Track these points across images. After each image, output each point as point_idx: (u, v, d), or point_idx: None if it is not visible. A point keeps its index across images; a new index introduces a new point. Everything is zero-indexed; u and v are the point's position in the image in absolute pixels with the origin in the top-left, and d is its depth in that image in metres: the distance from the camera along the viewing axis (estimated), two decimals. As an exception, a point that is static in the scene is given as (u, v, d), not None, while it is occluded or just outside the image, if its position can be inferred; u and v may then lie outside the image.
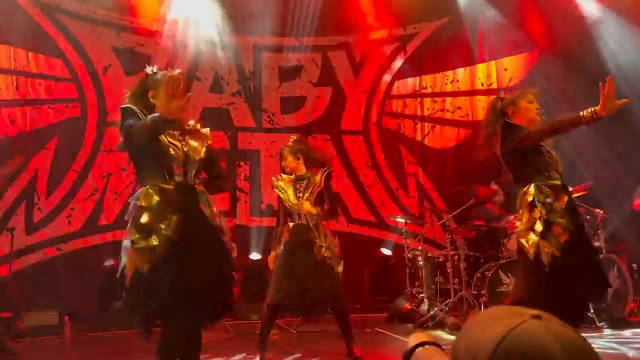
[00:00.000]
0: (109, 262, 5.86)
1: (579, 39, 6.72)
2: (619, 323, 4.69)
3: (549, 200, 2.58)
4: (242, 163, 6.98)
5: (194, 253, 2.32)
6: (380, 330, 5.17)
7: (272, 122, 7.23)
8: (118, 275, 2.37)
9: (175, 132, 2.45)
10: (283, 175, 3.90)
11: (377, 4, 7.24)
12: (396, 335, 4.78)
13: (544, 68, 7.02)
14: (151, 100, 2.43)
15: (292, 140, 3.90)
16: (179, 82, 2.34)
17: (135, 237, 2.29)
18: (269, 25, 6.90)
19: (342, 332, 3.65)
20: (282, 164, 3.87)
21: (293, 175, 3.81)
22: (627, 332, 4.38)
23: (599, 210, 5.30)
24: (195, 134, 2.54)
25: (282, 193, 3.78)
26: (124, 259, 2.35)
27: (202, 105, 6.84)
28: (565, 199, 2.61)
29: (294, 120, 7.30)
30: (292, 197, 3.70)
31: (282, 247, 3.78)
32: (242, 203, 6.94)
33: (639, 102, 6.10)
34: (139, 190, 2.39)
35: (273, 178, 3.96)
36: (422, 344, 0.99)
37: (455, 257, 5.46)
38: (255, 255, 6.59)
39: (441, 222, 5.81)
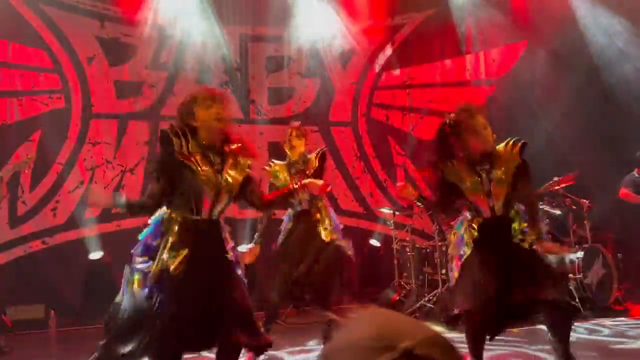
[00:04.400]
0: (94, 256, 5.81)
1: (566, 30, 6.74)
2: (603, 312, 4.74)
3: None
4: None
5: (196, 289, 2.25)
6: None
7: (259, 113, 7.18)
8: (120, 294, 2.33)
9: (215, 159, 2.38)
10: (275, 161, 3.86)
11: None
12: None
13: (531, 59, 7.05)
14: (192, 123, 2.36)
15: (297, 125, 3.98)
16: (215, 100, 2.35)
17: (142, 257, 2.29)
18: (257, 15, 6.83)
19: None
20: (290, 149, 3.84)
21: (287, 160, 3.79)
22: (611, 321, 4.43)
23: (584, 200, 5.35)
24: (236, 159, 2.46)
25: (278, 179, 3.72)
26: (127, 274, 2.31)
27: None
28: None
29: (282, 111, 7.25)
30: (289, 181, 3.58)
31: (283, 237, 3.71)
32: (230, 195, 6.91)
33: (626, 95, 6.17)
34: (162, 213, 2.36)
35: (266, 167, 3.91)
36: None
37: (443, 248, 5.48)
38: (243, 248, 6.55)
39: (429, 213, 5.82)
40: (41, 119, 6.17)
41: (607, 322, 4.38)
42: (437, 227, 5.56)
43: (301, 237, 3.59)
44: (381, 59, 7.55)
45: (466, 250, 2.71)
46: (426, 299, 5.28)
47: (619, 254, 5.65)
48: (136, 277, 2.25)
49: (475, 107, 2.90)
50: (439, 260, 5.37)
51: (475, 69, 7.65)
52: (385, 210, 6.27)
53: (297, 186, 2.62)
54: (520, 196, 2.75)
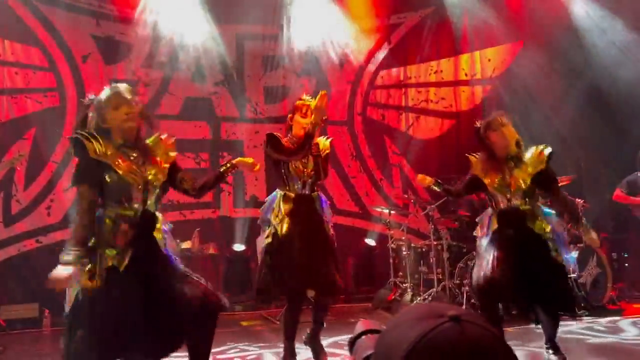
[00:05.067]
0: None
1: (562, 30, 6.76)
2: (598, 311, 4.76)
3: None
4: (225, 154, 6.91)
5: (139, 283, 2.25)
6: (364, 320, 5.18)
7: (255, 112, 7.16)
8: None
9: (134, 155, 2.39)
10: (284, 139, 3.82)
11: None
12: (380, 326, 4.79)
13: (527, 59, 7.06)
14: (104, 126, 2.37)
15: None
16: (121, 94, 2.37)
17: (81, 259, 2.22)
18: (253, 14, 6.82)
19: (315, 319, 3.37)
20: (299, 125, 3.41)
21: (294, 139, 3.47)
22: (606, 320, 4.45)
23: (579, 200, 5.36)
24: (157, 150, 2.48)
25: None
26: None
27: (184, 95, 6.75)
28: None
29: (277, 110, 7.23)
30: (300, 165, 3.33)
31: (283, 220, 3.28)
32: (226, 194, 6.89)
33: (621, 95, 6.18)
34: (97, 214, 2.33)
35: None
36: (367, 332, 1.03)
37: (439, 247, 5.49)
38: (238, 247, 6.56)
39: (425, 212, 5.83)
40: (35, 117, 6.14)
41: (602, 321, 4.40)
42: (433, 226, 5.57)
43: (307, 225, 3.23)
44: (377, 58, 7.55)
45: (486, 239, 3.14)
46: (422, 298, 5.29)
47: (613, 254, 5.68)
48: (81, 280, 2.22)
49: (502, 112, 3.32)
50: (434, 259, 5.38)
51: (471, 69, 7.66)
52: (381, 210, 6.27)
53: (228, 166, 2.67)
54: (553, 200, 3.25)
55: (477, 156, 3.24)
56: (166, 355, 2.36)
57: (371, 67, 7.55)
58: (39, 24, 6.25)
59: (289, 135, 3.48)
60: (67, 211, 6.13)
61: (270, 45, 7.15)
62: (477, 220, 3.39)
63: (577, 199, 5.37)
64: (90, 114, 2.42)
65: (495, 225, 3.10)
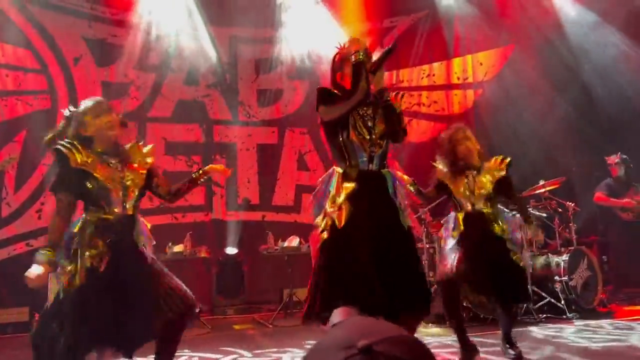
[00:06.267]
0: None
1: (553, 35, 6.82)
2: (588, 313, 4.79)
3: None
4: (217, 156, 6.90)
5: (118, 284, 2.35)
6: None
7: (248, 115, 7.16)
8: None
9: (113, 162, 2.51)
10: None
11: (354, -3, 7.22)
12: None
13: (518, 63, 7.12)
14: (85, 134, 2.48)
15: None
16: (102, 104, 2.51)
17: (62, 262, 2.36)
18: (246, 17, 6.82)
19: None
20: None
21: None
22: (596, 323, 4.48)
23: (570, 203, 5.41)
24: (135, 156, 2.60)
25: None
26: (54, 281, 2.44)
27: (176, 98, 6.73)
28: None
29: (270, 113, 7.24)
30: (364, 130, 2.51)
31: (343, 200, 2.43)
32: (218, 197, 6.88)
33: (611, 99, 6.25)
34: (78, 218, 2.45)
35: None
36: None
37: (431, 250, 5.51)
38: (231, 250, 6.54)
39: (417, 215, 5.85)
40: (26, 119, 6.10)
41: (592, 323, 4.43)
42: (425, 229, 5.58)
43: (375, 213, 2.42)
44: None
45: (452, 240, 3.34)
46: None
47: (603, 257, 5.73)
48: (62, 280, 2.36)
49: (464, 126, 3.51)
50: (427, 262, 5.39)
51: (463, 72, 7.70)
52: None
53: (200, 173, 2.74)
54: (509, 200, 3.57)
55: (440, 165, 3.47)
56: (135, 349, 2.45)
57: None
58: (30, 26, 6.22)
59: None
60: (58, 214, 6.10)
61: (263, 48, 7.16)
62: (442, 222, 3.65)
63: (567, 202, 5.42)
64: (70, 124, 2.52)
65: (461, 228, 3.32)
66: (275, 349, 4.00)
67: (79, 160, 2.41)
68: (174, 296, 2.45)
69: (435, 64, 7.69)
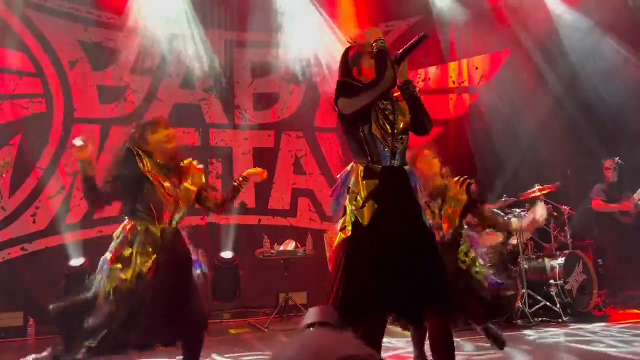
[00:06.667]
0: (75, 262, 5.71)
1: (548, 40, 6.85)
2: (584, 317, 4.80)
3: None
4: (214, 160, 6.90)
5: (164, 292, 2.60)
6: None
7: (244, 119, 7.16)
8: (91, 289, 2.64)
9: (171, 174, 2.74)
10: None
11: (349, 2, 7.23)
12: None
13: (514, 67, 7.15)
14: (146, 148, 2.73)
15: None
16: (160, 125, 2.75)
17: (115, 265, 2.59)
18: (242, 21, 6.83)
19: None
20: None
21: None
22: (592, 326, 4.49)
23: (565, 207, 5.43)
24: (190, 173, 2.83)
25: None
26: (99, 277, 2.64)
27: (173, 102, 6.72)
28: None
29: (267, 117, 7.24)
30: (386, 125, 2.37)
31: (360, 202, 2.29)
32: (214, 201, 6.85)
33: (605, 104, 6.28)
34: (129, 224, 2.68)
35: None
36: (314, 325, 1.01)
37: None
38: (227, 254, 6.53)
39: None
40: (22, 123, 6.08)
41: (588, 327, 4.43)
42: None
43: (402, 212, 2.31)
44: (366, 66, 7.57)
45: None
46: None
47: (599, 260, 5.75)
48: (113, 282, 2.57)
49: (423, 147, 3.36)
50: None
51: (459, 77, 7.73)
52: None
53: (241, 180, 3.02)
54: (480, 221, 3.40)
55: None
56: (169, 344, 2.75)
57: (360, 75, 7.57)
58: (26, 29, 6.20)
59: None
60: (53, 218, 6.07)
61: (259, 52, 7.16)
62: None
63: (563, 206, 5.44)
64: (133, 140, 2.76)
65: None
66: (270, 353, 3.99)
67: (148, 167, 2.66)
68: (199, 308, 2.80)
69: (431, 68, 7.71)
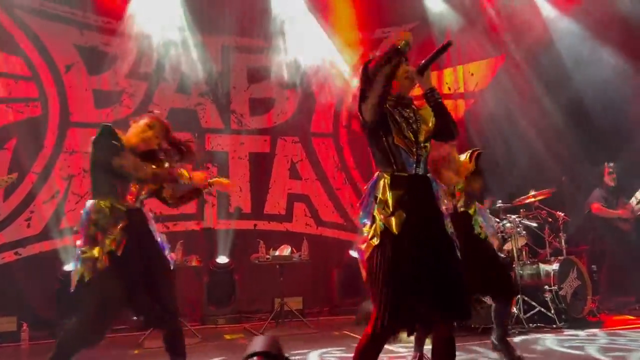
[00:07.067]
0: (69, 267, 5.68)
1: (543, 46, 6.89)
2: (578, 323, 4.81)
3: None
4: (209, 165, 6.89)
5: (135, 268, 2.65)
6: (348, 332, 5.17)
7: (240, 124, 7.16)
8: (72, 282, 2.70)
9: (141, 158, 2.80)
10: None
11: (346, 8, 7.26)
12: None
13: (509, 73, 7.19)
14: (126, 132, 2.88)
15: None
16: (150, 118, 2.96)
17: (84, 247, 2.63)
18: (239, 26, 6.84)
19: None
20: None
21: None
22: (585, 332, 4.50)
23: (560, 213, 5.45)
24: (160, 166, 2.91)
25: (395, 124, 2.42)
26: (74, 265, 2.71)
27: (168, 106, 6.72)
28: None
29: (262, 122, 7.25)
30: (409, 134, 2.40)
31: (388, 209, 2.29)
32: (210, 206, 6.85)
33: (601, 109, 6.31)
34: (91, 203, 2.70)
35: None
36: (256, 355, 1.01)
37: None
38: (222, 259, 6.51)
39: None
40: (17, 126, 6.06)
41: (582, 333, 4.44)
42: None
43: (428, 221, 2.34)
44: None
45: None
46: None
47: (593, 266, 5.76)
48: (84, 266, 2.63)
49: (450, 147, 3.53)
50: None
51: (454, 83, 7.77)
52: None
53: (206, 183, 3.10)
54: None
55: None
56: (159, 324, 2.84)
57: (356, 80, 7.60)
58: (22, 33, 6.20)
59: None
60: (47, 223, 6.04)
61: (255, 57, 7.18)
62: None
63: (557, 212, 5.46)
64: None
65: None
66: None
67: (121, 143, 2.76)
68: (172, 294, 2.84)
69: (427, 74, 7.73)
